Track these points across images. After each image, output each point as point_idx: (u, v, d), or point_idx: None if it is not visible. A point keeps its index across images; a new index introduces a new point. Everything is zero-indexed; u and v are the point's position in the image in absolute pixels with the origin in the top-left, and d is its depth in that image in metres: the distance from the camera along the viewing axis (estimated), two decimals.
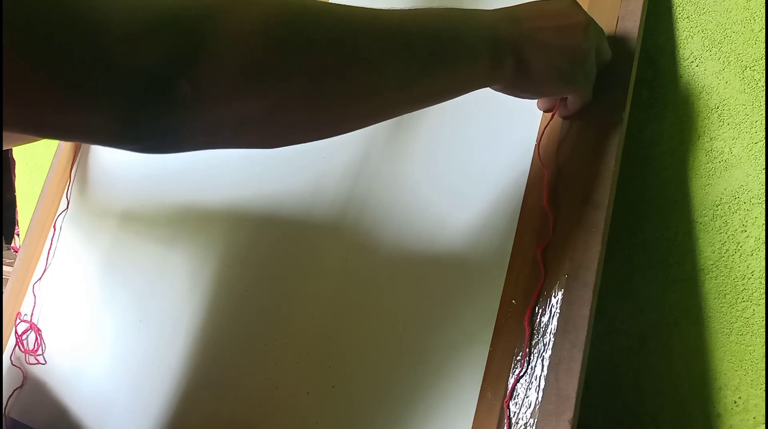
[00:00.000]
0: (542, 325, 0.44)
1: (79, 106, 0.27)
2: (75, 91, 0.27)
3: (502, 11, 0.41)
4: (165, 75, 0.28)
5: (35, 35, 0.25)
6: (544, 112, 0.50)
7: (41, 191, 0.92)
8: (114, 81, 0.27)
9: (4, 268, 1.07)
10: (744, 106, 0.49)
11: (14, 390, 0.77)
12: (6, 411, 0.77)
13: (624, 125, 0.46)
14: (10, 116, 0.27)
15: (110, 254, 0.77)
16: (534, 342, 0.44)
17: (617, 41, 0.48)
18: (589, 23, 0.43)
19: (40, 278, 0.85)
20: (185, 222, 0.70)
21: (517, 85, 0.42)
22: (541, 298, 0.44)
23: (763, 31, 0.48)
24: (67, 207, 0.86)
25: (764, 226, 0.47)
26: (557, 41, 0.41)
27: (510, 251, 0.47)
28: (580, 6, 0.44)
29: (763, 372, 0.46)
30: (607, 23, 0.49)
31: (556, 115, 0.48)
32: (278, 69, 0.31)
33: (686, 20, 0.52)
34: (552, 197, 0.47)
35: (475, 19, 0.40)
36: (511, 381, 0.44)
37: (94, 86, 0.27)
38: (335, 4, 0.34)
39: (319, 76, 0.32)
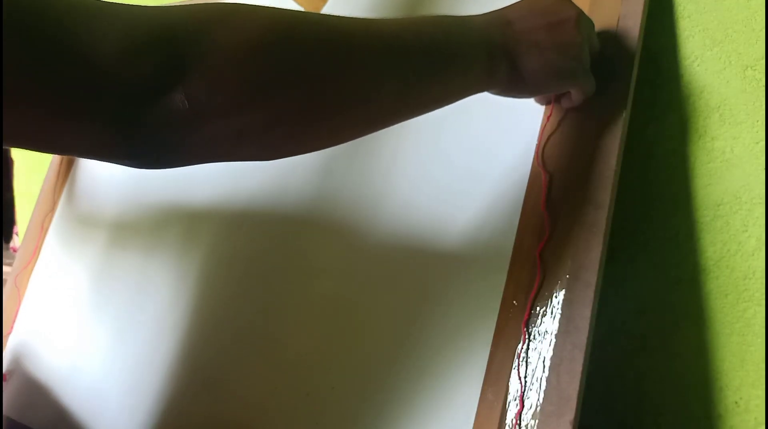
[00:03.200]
0: (543, 325, 0.44)
1: (75, 123, 0.28)
2: (70, 109, 0.27)
3: (492, 15, 0.41)
4: (158, 90, 0.28)
5: (32, 53, 0.26)
6: (542, 104, 0.50)
7: (40, 190, 0.91)
8: (107, 98, 0.27)
9: (4, 268, 1.07)
10: (745, 106, 0.49)
11: None
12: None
13: (625, 125, 0.46)
14: (8, 132, 0.27)
15: (105, 255, 0.76)
16: (535, 343, 0.44)
17: (618, 40, 0.48)
18: (580, 15, 0.43)
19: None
20: (183, 221, 0.70)
21: (513, 89, 0.42)
22: (542, 298, 0.44)
23: (764, 30, 0.48)
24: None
25: (765, 226, 0.47)
26: (549, 40, 0.41)
27: (510, 252, 0.47)
28: None
29: (764, 372, 0.46)
30: (608, 22, 0.49)
31: (559, 111, 0.48)
32: (275, 81, 0.31)
33: (687, 19, 0.51)
34: (552, 197, 0.47)
35: (468, 26, 0.40)
36: (512, 382, 0.43)
37: (89, 103, 0.27)
38: (329, 15, 0.35)
39: (316, 87, 0.32)
